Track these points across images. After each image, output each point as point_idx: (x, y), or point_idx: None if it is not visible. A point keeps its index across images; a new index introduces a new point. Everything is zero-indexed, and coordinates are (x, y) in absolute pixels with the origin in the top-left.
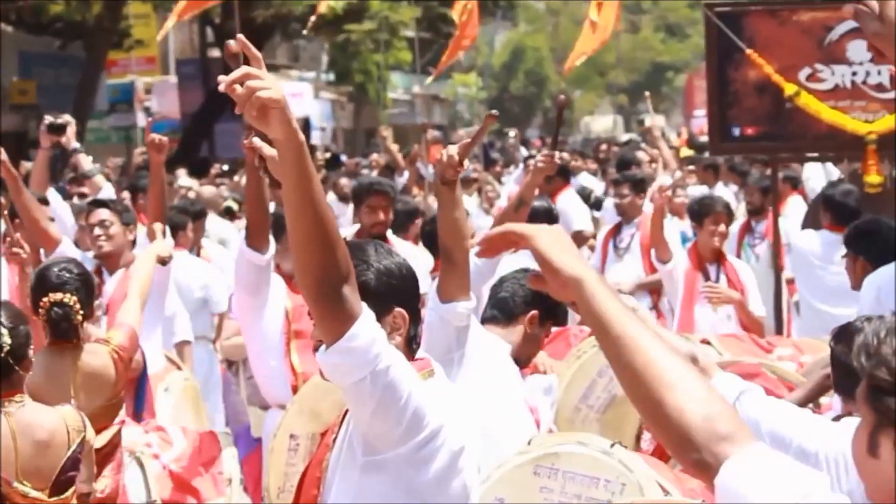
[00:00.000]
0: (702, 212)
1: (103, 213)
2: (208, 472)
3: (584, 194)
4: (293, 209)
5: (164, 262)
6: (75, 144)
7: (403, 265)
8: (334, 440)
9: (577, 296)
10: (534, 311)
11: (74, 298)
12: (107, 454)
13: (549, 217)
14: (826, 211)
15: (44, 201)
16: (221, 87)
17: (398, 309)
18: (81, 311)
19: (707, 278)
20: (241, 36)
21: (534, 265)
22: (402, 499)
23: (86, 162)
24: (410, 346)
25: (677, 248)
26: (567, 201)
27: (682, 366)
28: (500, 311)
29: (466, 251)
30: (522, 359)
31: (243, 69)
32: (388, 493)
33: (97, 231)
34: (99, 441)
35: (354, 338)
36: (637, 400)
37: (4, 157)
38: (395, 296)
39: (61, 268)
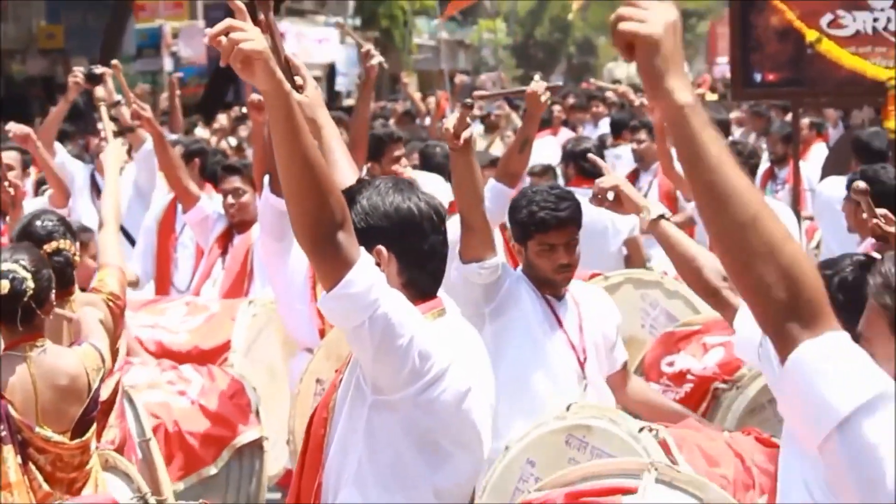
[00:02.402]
0: None
1: (235, 181)
2: (235, 404)
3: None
4: (283, 159)
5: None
6: (117, 97)
7: (396, 204)
8: (341, 381)
9: (673, 123)
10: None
11: (68, 243)
12: (111, 402)
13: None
14: (854, 153)
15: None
16: (205, 40)
17: (379, 247)
18: (76, 255)
19: None
20: None
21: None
22: (411, 438)
23: (128, 114)
24: (411, 287)
25: None
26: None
27: (779, 225)
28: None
29: (483, 214)
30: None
31: (226, 21)
32: (397, 433)
33: (230, 199)
34: (104, 393)
35: (351, 284)
36: (726, 253)
37: (149, 114)
38: (377, 234)
39: (43, 219)
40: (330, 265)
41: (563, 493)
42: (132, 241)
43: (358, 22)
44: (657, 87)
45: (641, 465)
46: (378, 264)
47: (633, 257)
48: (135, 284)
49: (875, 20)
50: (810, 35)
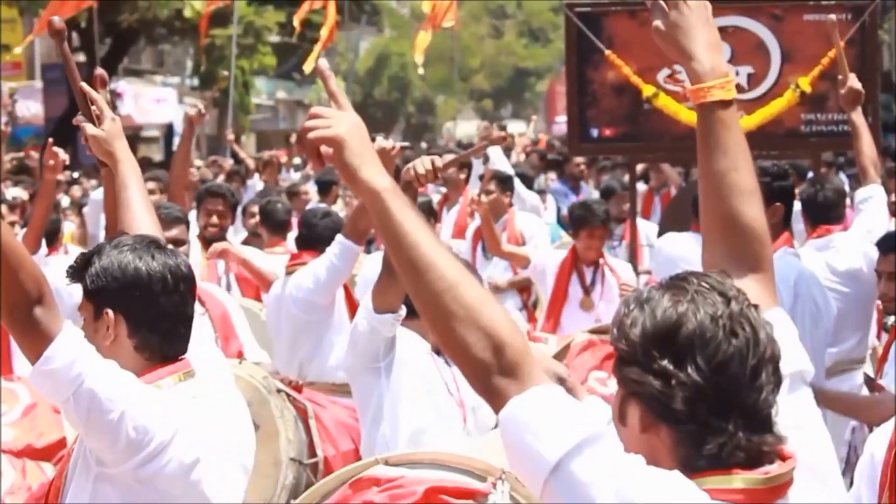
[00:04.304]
0: (579, 222)
1: None
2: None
3: None
4: None
5: None
6: None
7: (125, 264)
8: (74, 450)
9: (373, 208)
10: None
11: None
12: None
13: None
14: (695, 213)
15: None
16: None
17: (107, 309)
18: None
19: (582, 279)
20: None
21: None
22: None
23: None
24: (145, 350)
25: (546, 244)
26: None
27: (479, 290)
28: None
29: None
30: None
31: None
32: None
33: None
34: None
35: (49, 360)
36: (430, 321)
37: None
38: (106, 296)
39: None
40: (29, 341)
41: (423, 489)
42: None
43: (196, 82)
44: (354, 177)
45: (492, 469)
46: (107, 327)
47: None
48: None
49: None
50: (647, 90)
